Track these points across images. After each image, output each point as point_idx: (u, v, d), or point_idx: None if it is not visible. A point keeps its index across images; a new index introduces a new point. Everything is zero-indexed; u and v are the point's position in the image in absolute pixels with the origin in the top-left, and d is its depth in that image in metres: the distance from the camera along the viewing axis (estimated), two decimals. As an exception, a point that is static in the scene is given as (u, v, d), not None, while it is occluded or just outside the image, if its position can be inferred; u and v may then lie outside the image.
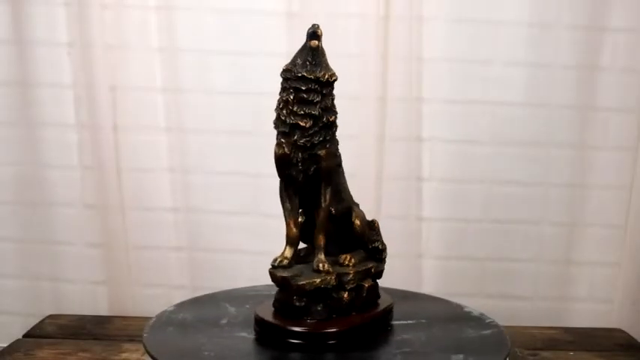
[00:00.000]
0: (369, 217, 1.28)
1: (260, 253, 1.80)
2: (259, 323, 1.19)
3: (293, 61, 1.13)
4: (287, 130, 1.13)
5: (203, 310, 1.32)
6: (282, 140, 1.14)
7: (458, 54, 1.80)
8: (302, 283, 1.14)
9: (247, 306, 1.32)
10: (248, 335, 1.19)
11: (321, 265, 1.17)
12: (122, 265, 1.88)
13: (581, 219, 1.87)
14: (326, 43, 1.14)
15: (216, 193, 1.86)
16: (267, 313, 1.19)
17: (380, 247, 1.26)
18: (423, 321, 1.29)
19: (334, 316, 1.18)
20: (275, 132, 1.16)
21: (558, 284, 1.90)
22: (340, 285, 1.18)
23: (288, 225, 1.19)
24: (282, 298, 1.18)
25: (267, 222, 1.81)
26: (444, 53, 1.80)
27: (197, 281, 1.88)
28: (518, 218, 1.87)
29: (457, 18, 1.78)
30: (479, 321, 1.32)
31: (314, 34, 1.12)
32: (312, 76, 1.11)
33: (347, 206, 1.23)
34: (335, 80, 1.14)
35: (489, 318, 1.33)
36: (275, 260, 1.18)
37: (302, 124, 1.11)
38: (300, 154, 1.13)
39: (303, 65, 1.12)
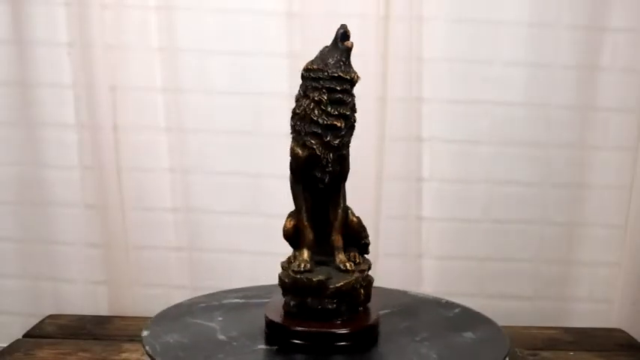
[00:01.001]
0: (367, 217, 1.28)
1: (260, 254, 1.83)
2: (282, 331, 1.13)
3: (322, 61, 1.12)
4: (319, 131, 1.11)
5: (182, 331, 1.19)
6: (312, 141, 1.11)
7: (458, 54, 1.80)
8: (339, 284, 1.13)
9: (220, 318, 1.25)
10: (267, 346, 1.13)
11: (348, 264, 1.16)
12: (122, 265, 1.88)
13: (581, 219, 1.87)
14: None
15: (216, 193, 1.86)
16: (280, 318, 1.15)
17: (368, 242, 1.26)
18: (395, 309, 1.30)
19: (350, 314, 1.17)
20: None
21: (558, 284, 1.90)
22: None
23: (305, 228, 1.17)
24: (310, 303, 1.14)
25: (268, 222, 1.81)
26: (444, 53, 1.80)
27: (197, 281, 1.88)
28: (518, 218, 1.87)
29: (457, 18, 1.78)
30: (438, 302, 1.36)
31: (345, 34, 1.12)
32: (347, 77, 1.11)
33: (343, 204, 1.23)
34: (359, 80, 1.13)
35: (443, 298, 1.37)
36: (299, 266, 1.14)
37: (337, 124, 1.10)
38: (330, 155, 1.12)
39: (337, 65, 1.11)
